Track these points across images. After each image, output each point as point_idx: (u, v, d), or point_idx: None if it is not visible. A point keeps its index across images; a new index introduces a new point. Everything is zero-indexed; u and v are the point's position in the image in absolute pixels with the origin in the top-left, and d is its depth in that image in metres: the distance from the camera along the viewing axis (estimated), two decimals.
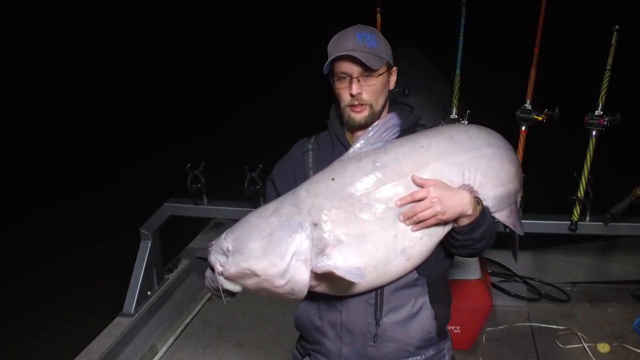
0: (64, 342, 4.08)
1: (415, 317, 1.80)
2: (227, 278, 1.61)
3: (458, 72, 3.32)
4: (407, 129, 1.79)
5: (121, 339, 3.39)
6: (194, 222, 4.48)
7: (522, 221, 3.41)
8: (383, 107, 1.80)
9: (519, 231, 1.96)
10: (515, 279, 4.12)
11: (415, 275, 1.75)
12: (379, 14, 3.34)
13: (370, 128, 1.71)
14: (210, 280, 1.68)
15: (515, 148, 3.22)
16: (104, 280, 4.84)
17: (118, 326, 3.48)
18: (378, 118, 1.78)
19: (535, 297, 4.00)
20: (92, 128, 8.66)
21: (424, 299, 1.80)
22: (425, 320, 1.81)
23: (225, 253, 1.60)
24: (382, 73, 1.75)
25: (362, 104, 1.75)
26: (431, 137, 1.73)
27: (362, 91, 1.73)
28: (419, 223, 1.62)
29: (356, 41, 1.71)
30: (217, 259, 1.61)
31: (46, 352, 4.17)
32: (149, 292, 3.78)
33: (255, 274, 1.57)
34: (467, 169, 1.71)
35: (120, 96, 9.42)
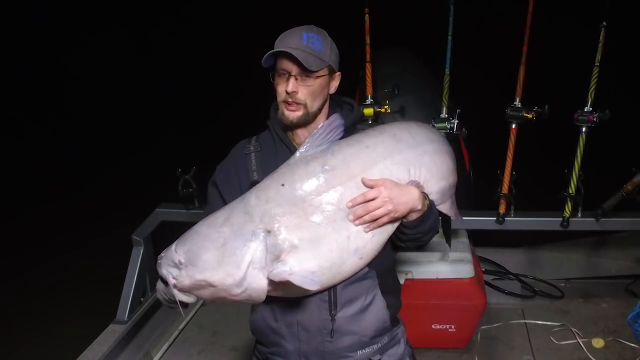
0: (57, 350, 4.07)
1: (368, 308, 1.84)
2: (181, 290, 1.61)
3: (447, 71, 3.33)
4: (349, 127, 1.82)
5: (115, 346, 3.37)
6: (186, 227, 4.46)
7: (514, 219, 3.47)
8: (320, 109, 1.81)
9: (459, 219, 2.10)
10: (509, 276, 4.13)
11: (365, 269, 1.78)
12: (367, 15, 3.34)
13: (315, 130, 1.72)
14: (163, 293, 1.69)
15: (506, 146, 3.25)
16: (96, 285, 4.81)
17: (112, 333, 3.46)
18: (313, 119, 1.80)
19: (529, 294, 4.01)
20: (76, 127, 8.65)
21: (375, 291, 1.85)
22: (378, 311, 1.86)
23: (177, 265, 1.59)
24: (322, 76, 1.76)
25: (297, 103, 1.76)
26: (375, 136, 1.77)
27: (298, 90, 1.74)
28: (372, 222, 1.65)
29: (301, 40, 1.73)
30: (169, 272, 1.60)
31: None
32: (142, 299, 3.76)
33: (211, 285, 1.57)
34: (412, 165, 1.77)
35: (110, 94, 9.37)
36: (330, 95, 1.86)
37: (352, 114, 1.90)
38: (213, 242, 1.58)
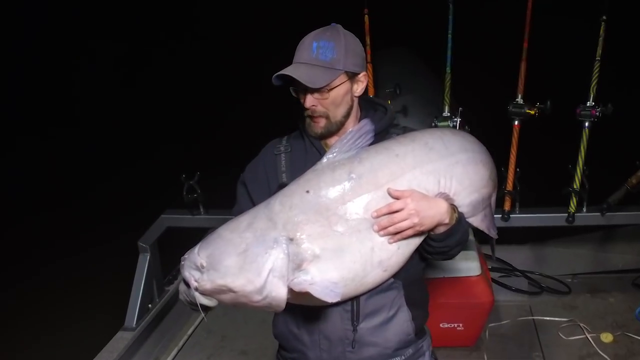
0: (66, 356, 4.08)
1: (392, 320, 1.79)
2: (203, 293, 1.59)
3: (448, 70, 3.33)
4: (381, 132, 1.77)
5: (124, 353, 3.38)
6: (191, 232, 4.47)
7: (520, 215, 3.46)
8: (346, 116, 1.76)
9: (492, 234, 1.94)
10: (516, 273, 4.12)
11: (391, 279, 1.73)
12: (366, 16, 3.34)
13: (344, 135, 1.67)
14: (185, 295, 1.67)
15: (509, 143, 3.25)
16: (102, 289, 4.83)
17: (120, 341, 3.47)
18: (340, 127, 1.76)
19: (537, 291, 4.00)
20: (83, 133, 8.69)
21: (400, 302, 1.79)
22: (402, 323, 1.81)
23: (200, 269, 1.56)
24: (338, 85, 1.70)
25: (319, 116, 1.73)
26: (406, 144, 1.70)
27: (317, 104, 1.71)
28: (396, 234, 1.60)
29: (310, 52, 1.69)
30: (191, 275, 1.58)
31: None
32: (149, 305, 3.76)
33: (231, 290, 1.55)
34: (442, 176, 1.69)
35: (117, 101, 9.40)
36: (359, 97, 1.80)
37: (384, 117, 1.83)
38: (235, 247, 1.56)
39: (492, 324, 3.61)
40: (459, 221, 1.70)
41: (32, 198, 7.04)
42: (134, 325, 3.57)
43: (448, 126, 3.23)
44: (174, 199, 3.66)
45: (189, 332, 3.90)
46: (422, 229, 1.61)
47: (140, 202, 5.69)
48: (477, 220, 1.86)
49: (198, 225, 3.87)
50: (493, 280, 3.83)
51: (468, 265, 3.25)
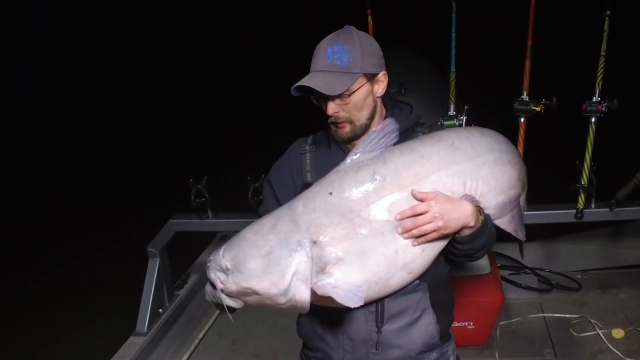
0: None
1: (417, 322, 1.78)
2: (228, 295, 1.59)
3: (453, 68, 3.33)
4: (407, 130, 1.75)
5: (136, 358, 3.39)
6: (200, 236, 4.49)
7: (528, 212, 3.45)
8: (370, 118, 1.75)
9: (520, 236, 1.90)
10: (525, 270, 4.11)
11: (416, 281, 1.72)
12: (370, 17, 3.35)
13: (367, 135, 1.66)
14: (211, 296, 1.67)
15: (515, 140, 3.24)
16: (114, 295, 4.84)
17: (132, 346, 3.48)
18: (365, 129, 1.74)
19: (547, 288, 3.99)
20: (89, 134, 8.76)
21: (425, 304, 1.77)
22: (427, 325, 1.79)
23: (224, 271, 1.57)
24: (358, 89, 1.69)
25: (343, 122, 1.72)
26: (432, 145, 1.67)
27: (339, 110, 1.70)
28: (420, 237, 1.59)
29: (325, 59, 1.67)
30: (217, 277, 1.59)
31: None
32: (160, 310, 3.78)
33: (256, 293, 1.55)
34: (469, 178, 1.67)
35: (122, 100, 9.45)
36: (385, 96, 1.79)
37: (410, 116, 1.82)
38: (259, 249, 1.55)
39: (503, 322, 3.60)
40: (485, 224, 1.67)
41: (41, 201, 7.07)
42: (145, 331, 3.59)
43: (454, 125, 3.23)
44: (182, 203, 3.67)
45: (200, 336, 3.91)
46: (446, 232, 1.60)
47: (149, 206, 5.72)
48: (504, 222, 1.82)
49: (206, 230, 3.89)
50: (503, 278, 3.83)
51: (478, 263, 3.25)
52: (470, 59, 3.74)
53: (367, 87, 1.71)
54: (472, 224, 1.62)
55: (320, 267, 1.54)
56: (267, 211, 1.70)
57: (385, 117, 1.78)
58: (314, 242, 1.55)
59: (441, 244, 1.66)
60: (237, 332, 3.91)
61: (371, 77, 1.72)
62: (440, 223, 1.56)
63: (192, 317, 4.03)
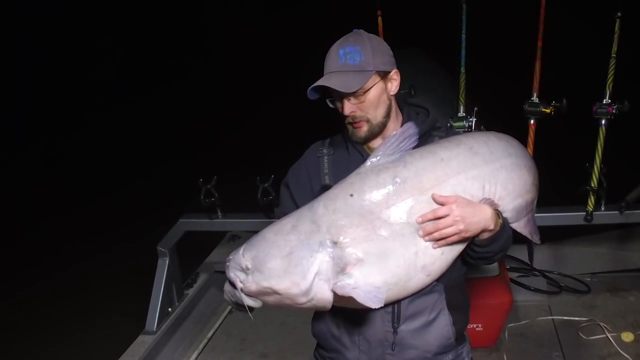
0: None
1: (433, 323, 1.79)
2: (248, 294, 1.60)
3: (463, 69, 3.33)
4: (424, 134, 1.77)
5: (145, 356, 3.42)
6: (210, 235, 4.51)
7: (537, 215, 3.42)
8: (386, 117, 1.76)
9: (535, 240, 1.93)
10: (534, 273, 4.10)
11: (432, 282, 1.73)
12: (380, 18, 3.35)
13: (387, 138, 1.67)
14: (230, 295, 1.68)
15: (525, 142, 3.23)
16: (123, 294, 4.87)
17: (141, 344, 3.50)
18: (382, 128, 1.76)
19: (555, 290, 3.98)
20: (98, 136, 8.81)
21: (442, 306, 1.79)
22: (443, 327, 1.80)
23: (244, 270, 1.58)
24: (372, 86, 1.71)
25: (360, 121, 1.74)
26: (451, 149, 1.68)
27: (355, 109, 1.72)
28: (440, 240, 1.60)
29: (338, 60, 1.69)
30: (237, 276, 1.59)
31: None
32: (169, 309, 3.80)
33: (276, 293, 1.56)
34: (487, 182, 1.68)
35: (130, 103, 9.51)
36: (402, 101, 1.81)
37: (427, 120, 1.84)
38: (279, 249, 1.56)
39: (512, 324, 3.60)
40: (503, 227, 1.69)
41: (50, 201, 7.12)
42: (154, 329, 3.61)
43: (463, 126, 3.23)
44: (192, 202, 3.69)
45: (209, 335, 3.93)
46: (467, 235, 1.61)
47: (158, 205, 5.74)
48: (520, 226, 1.85)
49: (216, 229, 3.90)
50: (511, 280, 3.82)
51: (486, 265, 3.24)
52: (480, 61, 3.73)
53: (381, 84, 1.73)
54: (491, 227, 1.64)
55: (341, 268, 1.55)
56: (284, 214, 1.70)
57: (403, 121, 1.80)
58: (335, 243, 1.56)
59: (460, 247, 1.67)
60: (245, 332, 3.93)
61: (384, 75, 1.74)
62: (461, 226, 1.58)
63: (201, 317, 4.05)
